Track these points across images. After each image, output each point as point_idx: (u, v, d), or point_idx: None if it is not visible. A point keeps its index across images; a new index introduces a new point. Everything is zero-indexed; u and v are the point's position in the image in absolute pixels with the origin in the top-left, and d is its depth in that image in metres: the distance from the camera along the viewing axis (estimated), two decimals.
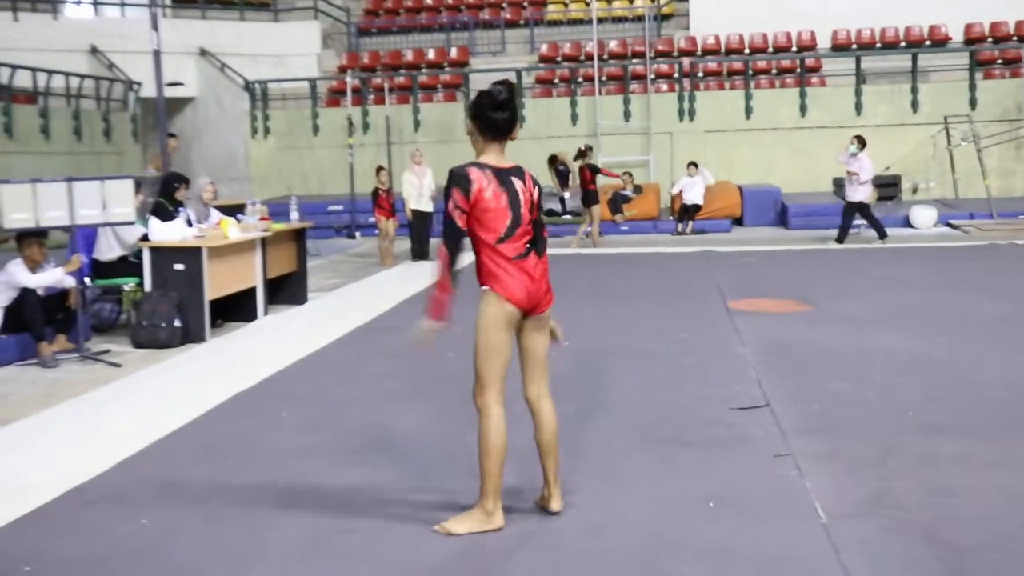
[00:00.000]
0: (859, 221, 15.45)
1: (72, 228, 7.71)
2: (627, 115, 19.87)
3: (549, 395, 4.06)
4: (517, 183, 3.93)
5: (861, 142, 13.89)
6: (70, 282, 7.69)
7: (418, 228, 13.61)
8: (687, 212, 16.70)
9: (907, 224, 16.15)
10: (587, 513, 4.08)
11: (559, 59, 21.90)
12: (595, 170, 14.89)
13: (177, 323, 7.98)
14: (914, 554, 3.62)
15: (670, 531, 3.89)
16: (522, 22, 23.24)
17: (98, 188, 7.68)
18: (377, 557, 3.71)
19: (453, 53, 22.56)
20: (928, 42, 20.79)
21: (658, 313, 8.93)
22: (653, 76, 20.17)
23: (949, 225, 16.00)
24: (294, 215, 10.54)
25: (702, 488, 4.33)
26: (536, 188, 4.03)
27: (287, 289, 10.01)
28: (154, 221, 8.38)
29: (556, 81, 21.37)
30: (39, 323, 7.46)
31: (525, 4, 23.63)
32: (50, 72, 18.53)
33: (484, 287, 3.89)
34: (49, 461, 5.04)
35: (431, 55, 22.62)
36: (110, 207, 7.71)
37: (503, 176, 3.90)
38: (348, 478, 4.65)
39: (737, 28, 21.48)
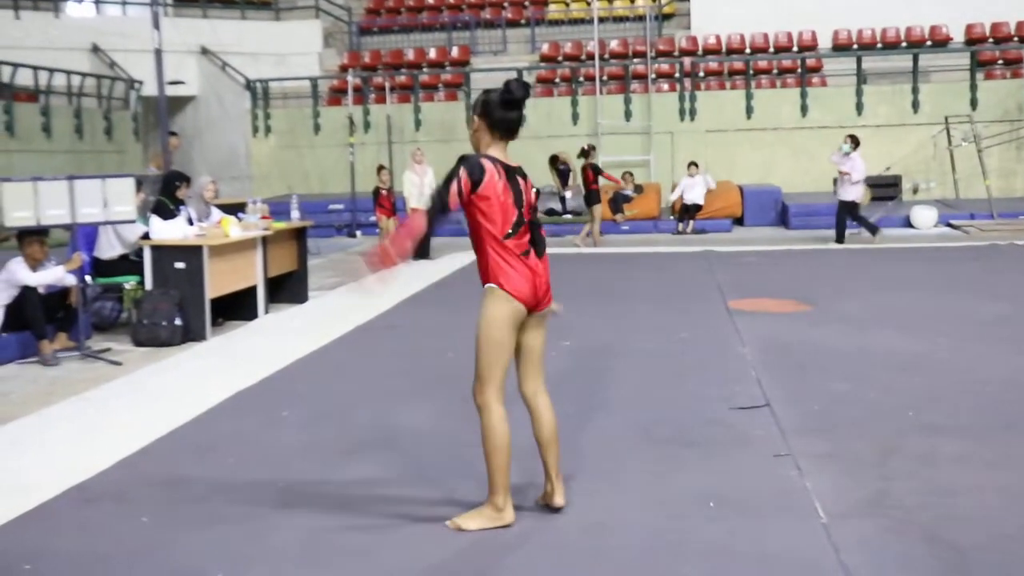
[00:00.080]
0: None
1: (73, 226, 7.71)
2: (628, 115, 19.87)
3: (545, 390, 4.07)
4: (521, 182, 3.94)
5: (854, 141, 13.90)
6: (71, 280, 7.70)
7: None
8: (688, 212, 16.70)
9: (908, 224, 16.15)
10: (587, 512, 4.08)
11: (560, 58, 21.91)
12: (597, 170, 14.90)
13: (178, 321, 7.99)
14: (914, 554, 3.62)
15: (670, 531, 3.89)
16: (523, 21, 23.24)
17: (99, 186, 7.69)
18: (378, 555, 3.72)
19: (454, 52, 22.57)
20: (929, 42, 20.79)
21: (658, 313, 8.94)
22: (654, 76, 20.17)
23: (950, 225, 16.00)
24: (295, 214, 10.54)
25: (702, 488, 4.34)
26: (534, 191, 4.05)
27: (288, 288, 10.01)
28: (155, 219, 8.39)
29: (557, 80, 21.38)
30: (40, 321, 7.46)
31: (526, 3, 23.63)
32: (51, 70, 18.53)
33: (490, 284, 3.87)
34: (50, 459, 5.05)
35: (432, 54, 22.62)
36: (111, 205, 7.71)
37: (511, 173, 3.91)
38: (349, 476, 4.65)
39: (738, 28, 21.48)
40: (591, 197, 14.80)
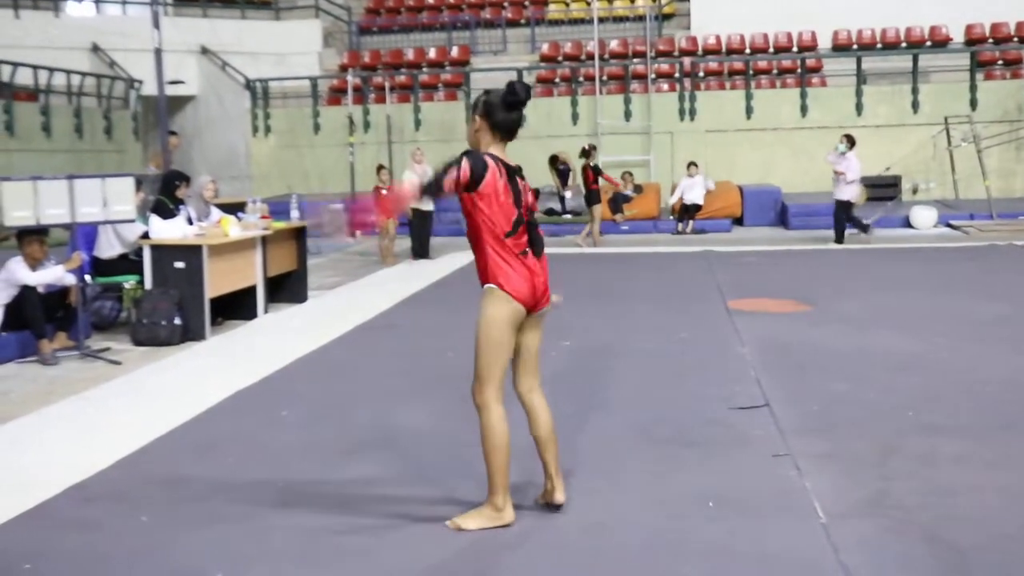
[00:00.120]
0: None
1: (73, 226, 7.71)
2: (628, 115, 19.87)
3: (540, 388, 4.08)
4: (520, 183, 3.94)
5: (850, 141, 13.92)
6: (70, 280, 7.70)
7: (419, 227, 13.61)
8: (687, 212, 16.70)
9: (907, 224, 16.16)
10: (587, 512, 4.08)
11: (560, 58, 21.91)
12: (597, 171, 14.90)
13: (177, 321, 7.98)
14: (913, 554, 3.62)
15: (670, 531, 3.89)
16: (523, 21, 23.24)
17: (99, 186, 7.69)
18: (377, 555, 3.72)
19: (454, 52, 22.56)
20: (929, 43, 20.79)
21: (658, 313, 8.94)
22: (654, 76, 20.17)
23: (949, 226, 16.00)
24: (295, 213, 10.54)
25: (702, 488, 4.34)
26: (532, 191, 4.06)
27: (287, 287, 10.01)
28: (155, 219, 8.39)
29: (557, 80, 21.37)
30: (39, 321, 7.46)
31: (526, 3, 23.63)
32: (51, 70, 18.53)
33: (489, 284, 3.87)
34: (49, 458, 5.05)
35: (432, 54, 22.62)
36: (111, 205, 7.71)
37: (511, 173, 3.91)
38: (348, 476, 4.65)
39: (738, 28, 21.48)
40: (591, 197, 14.81)
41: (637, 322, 8.50)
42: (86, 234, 8.62)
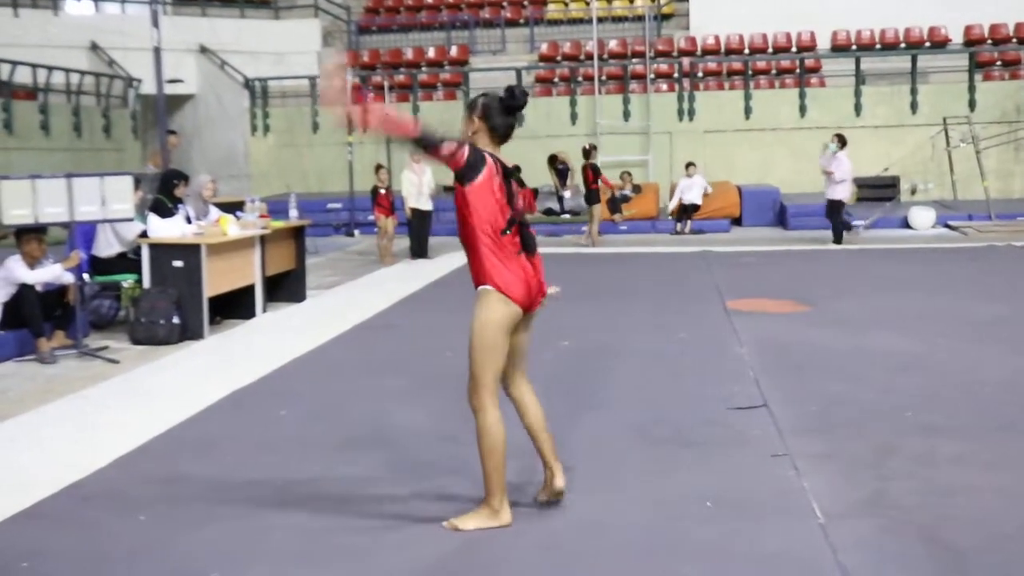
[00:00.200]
0: (857, 221, 15.47)
1: (71, 224, 7.70)
2: (627, 115, 19.87)
3: (528, 380, 4.12)
4: (515, 184, 3.95)
5: (841, 140, 13.94)
6: (69, 278, 7.69)
7: (417, 227, 13.60)
8: (685, 212, 16.70)
9: (906, 225, 16.16)
10: (585, 512, 4.08)
11: (559, 58, 21.89)
12: (597, 171, 14.89)
13: (176, 320, 7.98)
14: (912, 554, 3.62)
15: (668, 531, 3.89)
16: (522, 21, 23.23)
17: (97, 184, 7.68)
18: (375, 555, 3.71)
19: (453, 52, 22.55)
20: (928, 43, 20.79)
21: (656, 313, 8.94)
22: (653, 76, 20.16)
23: (947, 226, 16.00)
24: (293, 213, 10.54)
25: (700, 488, 4.34)
26: (531, 192, 4.07)
27: (286, 287, 10.00)
28: (153, 218, 8.38)
29: (556, 80, 21.36)
30: (37, 319, 7.46)
31: (525, 3, 23.61)
32: (50, 68, 18.50)
33: (485, 286, 3.86)
34: (47, 457, 5.04)
35: (431, 53, 22.60)
36: (109, 203, 7.70)
37: (507, 173, 3.92)
38: (346, 475, 4.65)
39: (737, 28, 21.47)
40: (591, 197, 14.81)
41: (635, 322, 8.50)
42: (84, 233, 8.61)
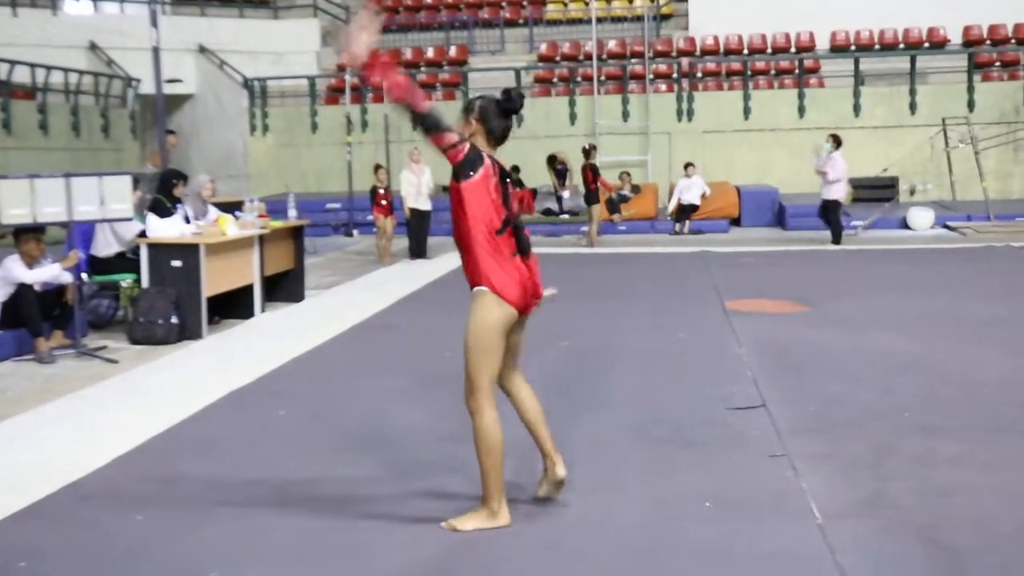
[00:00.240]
0: (856, 222, 15.48)
1: (70, 224, 7.70)
2: (625, 115, 19.87)
3: (523, 376, 4.14)
4: (510, 186, 3.97)
5: (836, 141, 13.95)
6: (67, 278, 7.69)
7: (416, 227, 13.60)
8: (684, 212, 16.70)
9: (904, 226, 16.16)
10: (584, 512, 4.08)
11: (558, 58, 21.89)
12: (596, 171, 14.90)
13: (174, 320, 7.98)
14: (910, 555, 3.63)
15: (667, 531, 3.89)
16: (521, 21, 23.22)
17: (96, 184, 7.68)
18: (373, 555, 3.71)
19: (452, 52, 22.55)
20: (926, 44, 20.80)
21: (655, 313, 8.94)
22: (652, 76, 20.16)
23: (946, 227, 16.00)
24: (292, 212, 10.53)
25: (699, 488, 4.34)
26: (529, 193, 4.09)
27: (284, 287, 10.00)
28: (152, 217, 8.37)
29: (555, 80, 21.36)
30: (36, 319, 7.45)
31: (524, 3, 23.61)
32: (49, 68, 18.49)
33: (480, 287, 3.85)
34: (45, 457, 5.04)
35: (430, 53, 22.60)
36: (108, 203, 7.70)
37: (503, 174, 3.93)
38: (345, 475, 4.65)
39: (736, 29, 21.47)
40: (590, 197, 14.81)
41: (634, 322, 8.50)
42: (83, 232, 8.61)
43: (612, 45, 21.66)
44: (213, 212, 9.29)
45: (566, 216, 17.08)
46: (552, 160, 17.18)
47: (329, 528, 3.97)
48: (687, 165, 17.11)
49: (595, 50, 20.27)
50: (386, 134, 18.57)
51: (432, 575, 3.58)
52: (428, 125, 3.77)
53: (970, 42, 20.60)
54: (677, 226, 16.62)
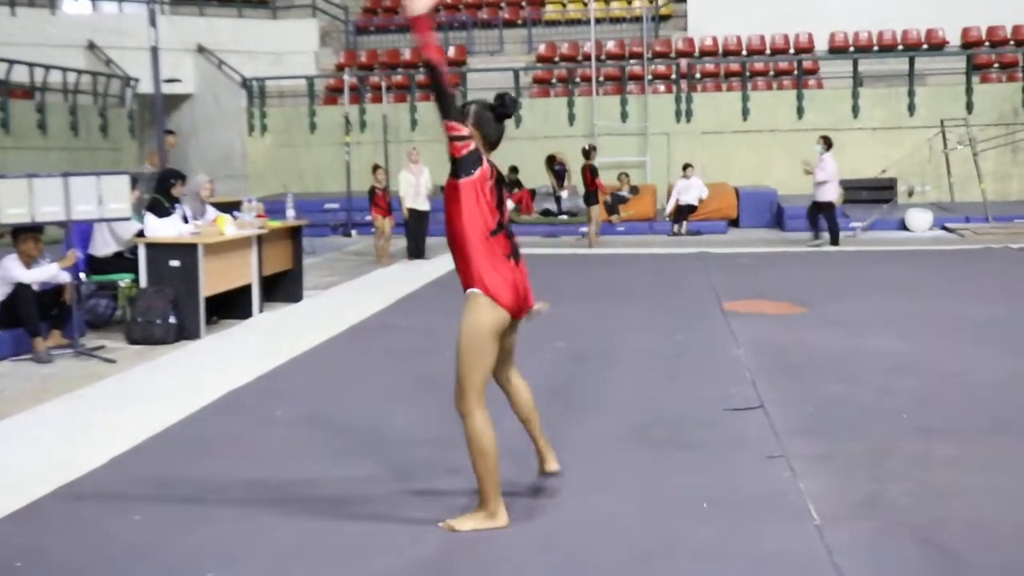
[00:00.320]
0: (854, 223, 15.49)
1: (68, 223, 7.69)
2: (624, 116, 19.87)
3: (517, 371, 4.18)
4: (503, 191, 3.99)
5: (826, 142, 13.99)
6: (65, 277, 7.68)
7: (415, 227, 13.60)
8: (682, 213, 16.71)
9: (903, 227, 16.17)
10: (581, 514, 4.08)
11: (557, 59, 21.89)
12: (595, 172, 14.90)
13: (172, 320, 7.97)
14: (908, 556, 3.63)
15: (664, 532, 3.89)
16: (520, 22, 23.22)
17: (94, 184, 7.67)
18: (370, 556, 3.71)
19: (451, 52, 22.52)
20: (925, 45, 20.81)
21: (653, 314, 8.94)
22: (650, 77, 20.17)
23: (944, 228, 16.01)
24: (290, 212, 10.53)
25: (697, 489, 4.34)
26: (528, 193, 4.12)
27: (282, 287, 9.99)
28: (150, 217, 8.37)
29: (553, 81, 21.36)
30: (34, 318, 7.45)
31: (523, 4, 23.62)
32: (47, 67, 18.47)
33: (473, 290, 3.84)
34: (42, 457, 5.03)
35: None
36: (106, 203, 7.69)
37: (499, 178, 3.96)
38: (342, 476, 4.65)
39: (735, 30, 21.48)
40: (590, 197, 14.81)
41: (632, 323, 8.50)
42: (81, 232, 8.60)
43: (611, 46, 21.67)
44: (211, 212, 9.29)
45: (565, 217, 17.09)
46: (551, 161, 17.19)
47: (327, 528, 3.97)
48: (686, 166, 17.11)
49: (594, 51, 20.28)
50: (384, 134, 18.56)
51: (430, 575, 3.58)
52: (449, 106, 3.79)
53: (969, 44, 20.62)
54: (675, 227, 16.62)
